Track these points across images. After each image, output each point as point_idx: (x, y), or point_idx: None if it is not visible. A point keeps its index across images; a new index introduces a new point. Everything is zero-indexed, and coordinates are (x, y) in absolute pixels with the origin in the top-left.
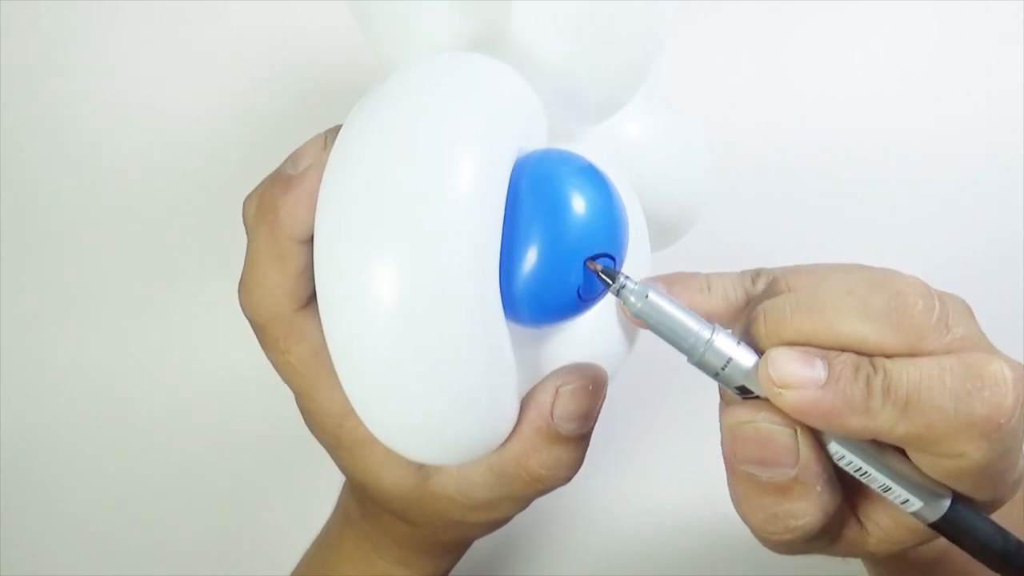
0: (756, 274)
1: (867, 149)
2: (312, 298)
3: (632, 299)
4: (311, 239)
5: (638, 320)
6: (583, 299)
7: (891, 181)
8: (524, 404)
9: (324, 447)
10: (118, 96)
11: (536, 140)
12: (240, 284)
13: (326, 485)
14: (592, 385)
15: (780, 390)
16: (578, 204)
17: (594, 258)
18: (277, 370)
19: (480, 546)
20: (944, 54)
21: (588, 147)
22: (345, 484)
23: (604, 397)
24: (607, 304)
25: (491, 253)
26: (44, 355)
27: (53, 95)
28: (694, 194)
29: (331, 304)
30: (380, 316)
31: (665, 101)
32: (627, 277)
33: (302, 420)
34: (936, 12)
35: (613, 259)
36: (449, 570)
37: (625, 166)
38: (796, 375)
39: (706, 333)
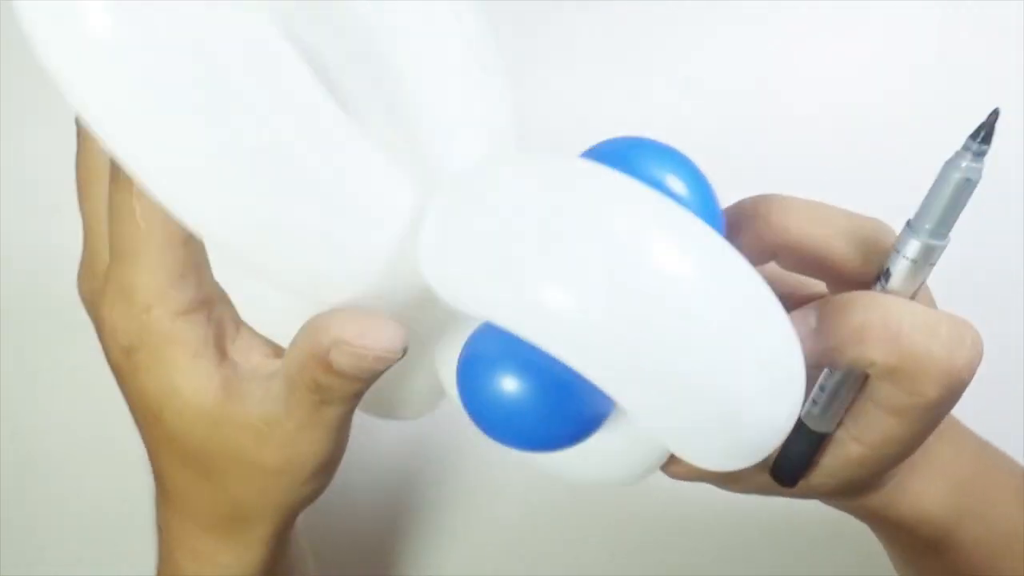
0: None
1: (864, 148)
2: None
3: None
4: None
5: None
6: None
7: (888, 181)
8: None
9: (116, 369)
10: None
11: None
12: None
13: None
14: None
15: None
16: None
17: None
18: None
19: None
20: (943, 53)
21: None
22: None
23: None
24: None
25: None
26: (44, 355)
27: (54, 97)
28: None
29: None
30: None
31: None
32: None
33: None
34: (935, 11)
35: None
36: (263, 568)
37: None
38: None
39: None
